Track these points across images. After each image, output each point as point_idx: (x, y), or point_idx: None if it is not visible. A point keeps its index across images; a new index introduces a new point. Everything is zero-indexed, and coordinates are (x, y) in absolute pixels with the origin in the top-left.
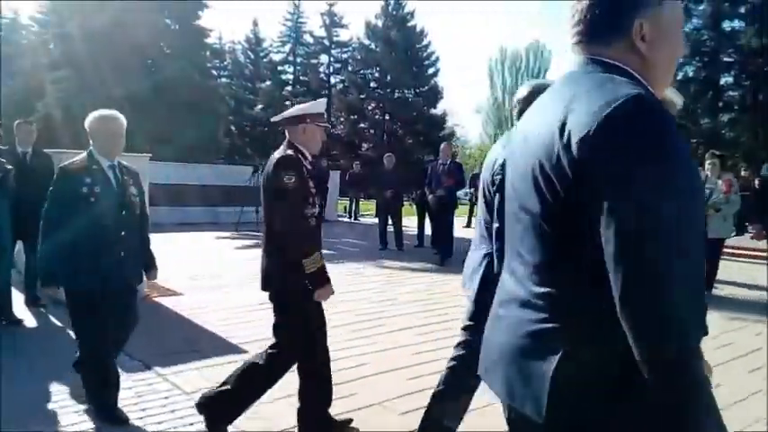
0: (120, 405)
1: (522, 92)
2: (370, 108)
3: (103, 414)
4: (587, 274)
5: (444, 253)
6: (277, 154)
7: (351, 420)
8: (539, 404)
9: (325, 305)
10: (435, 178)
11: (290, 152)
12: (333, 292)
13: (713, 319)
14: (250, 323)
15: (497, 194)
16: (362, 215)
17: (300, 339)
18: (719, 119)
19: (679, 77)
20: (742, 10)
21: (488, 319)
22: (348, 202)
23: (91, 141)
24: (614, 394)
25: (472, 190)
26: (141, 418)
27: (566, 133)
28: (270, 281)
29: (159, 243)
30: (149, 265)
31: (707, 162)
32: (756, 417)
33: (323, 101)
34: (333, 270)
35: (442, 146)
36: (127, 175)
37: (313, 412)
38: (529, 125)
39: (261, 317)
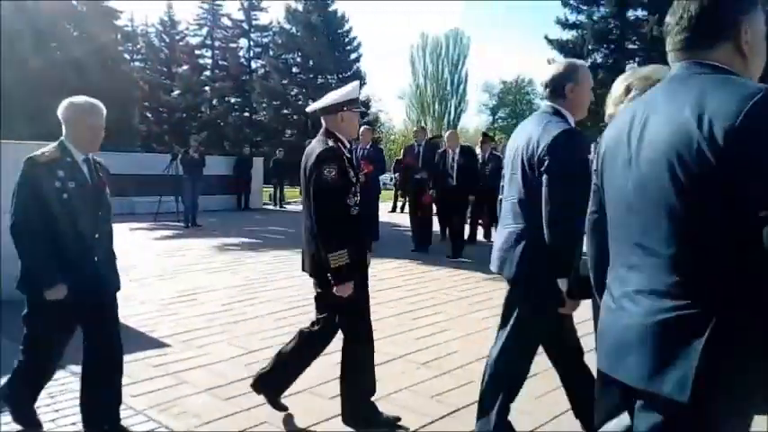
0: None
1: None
2: (292, 94)
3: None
4: (732, 258)
5: (371, 237)
6: (317, 145)
7: (399, 419)
8: (683, 385)
9: (251, 294)
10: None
11: (330, 143)
12: (351, 290)
13: None
14: (170, 317)
15: (546, 175)
16: (288, 202)
17: (350, 322)
18: None
19: (588, 64)
20: None
21: (605, 312)
22: (273, 189)
23: (64, 131)
24: (763, 380)
25: (396, 175)
26: (54, 420)
27: (705, 124)
28: (317, 266)
29: None
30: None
31: None
32: None
33: (356, 84)
34: (258, 258)
35: (362, 130)
36: (101, 171)
37: (356, 394)
38: (624, 132)
39: (179, 310)
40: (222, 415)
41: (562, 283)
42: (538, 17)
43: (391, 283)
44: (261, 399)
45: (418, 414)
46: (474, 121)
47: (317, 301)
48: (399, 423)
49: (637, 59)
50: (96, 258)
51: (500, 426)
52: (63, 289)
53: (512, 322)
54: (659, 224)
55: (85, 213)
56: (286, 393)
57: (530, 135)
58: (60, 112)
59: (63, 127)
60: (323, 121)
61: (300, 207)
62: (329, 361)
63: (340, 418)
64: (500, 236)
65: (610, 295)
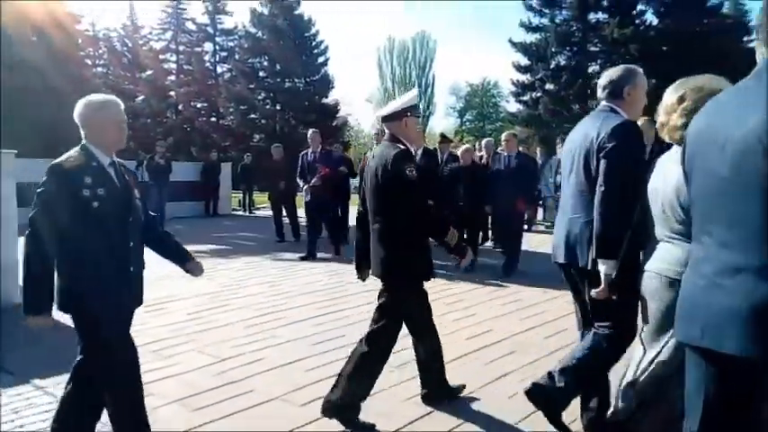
0: None
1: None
2: (260, 98)
3: None
4: None
5: (339, 241)
6: (388, 149)
7: (374, 426)
8: None
9: (222, 301)
10: (309, 168)
11: (401, 146)
12: (473, 256)
13: None
14: (137, 327)
15: (605, 159)
16: (257, 208)
17: (415, 319)
18: (589, 105)
19: (552, 66)
20: (605, 2)
21: (699, 288)
22: (241, 194)
23: (84, 134)
24: None
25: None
26: None
27: None
28: (390, 266)
29: None
30: (187, 257)
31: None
32: None
33: (416, 91)
34: (228, 265)
35: (310, 133)
36: (128, 175)
37: (354, 392)
38: (718, 120)
39: (146, 320)
40: (192, 426)
41: (607, 266)
42: (502, 20)
43: (361, 287)
44: (230, 409)
45: (394, 417)
46: (442, 123)
47: (381, 307)
48: (376, 430)
49: (599, 61)
50: (132, 269)
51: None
52: (49, 320)
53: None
54: (751, 207)
55: (117, 222)
56: (257, 401)
57: (587, 130)
58: (78, 113)
59: (83, 130)
60: (386, 129)
61: (269, 213)
62: (301, 367)
63: (313, 425)
64: (563, 227)
65: (698, 273)
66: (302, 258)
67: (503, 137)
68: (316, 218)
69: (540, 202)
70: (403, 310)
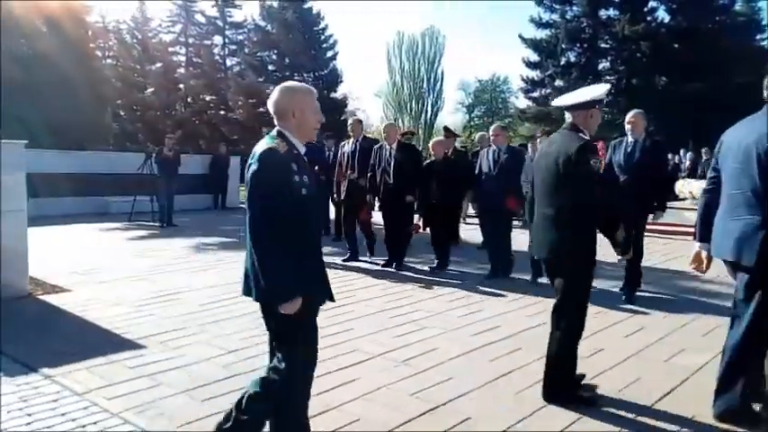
0: (2, 412)
1: None
2: (269, 91)
3: None
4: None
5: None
6: (569, 139)
7: (596, 386)
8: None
9: (229, 293)
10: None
11: (584, 136)
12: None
13: None
14: (146, 317)
15: None
16: None
17: (577, 296)
18: None
19: (562, 63)
20: None
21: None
22: None
23: (282, 121)
24: None
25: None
26: (29, 423)
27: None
28: (560, 251)
29: (42, 237)
30: None
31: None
32: None
33: (607, 85)
34: (237, 257)
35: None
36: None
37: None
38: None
39: (155, 311)
40: (199, 416)
41: None
42: (512, 16)
43: (367, 281)
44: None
45: (398, 412)
46: (451, 119)
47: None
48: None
49: (609, 58)
50: (320, 260)
51: (745, 407)
52: (298, 302)
53: (752, 307)
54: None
55: (315, 210)
56: None
57: (760, 131)
58: (276, 101)
59: (281, 117)
60: (568, 116)
61: None
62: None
63: (317, 419)
64: (729, 225)
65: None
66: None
67: (491, 130)
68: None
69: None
70: (575, 292)
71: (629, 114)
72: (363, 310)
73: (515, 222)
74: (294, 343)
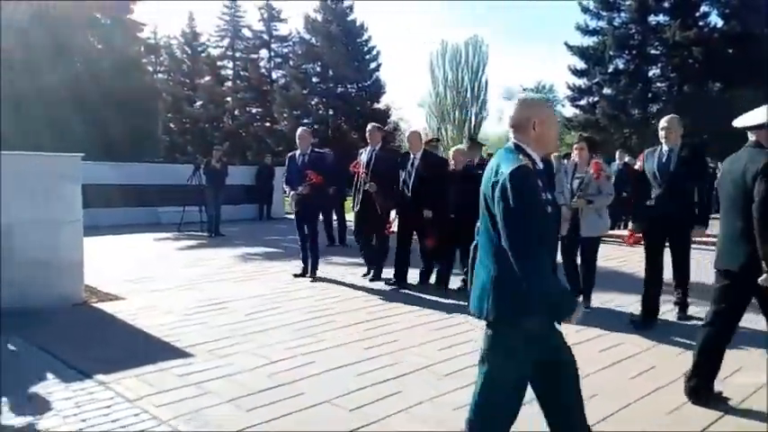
0: (58, 416)
1: None
2: (313, 103)
3: None
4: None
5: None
6: (758, 155)
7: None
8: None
9: (274, 303)
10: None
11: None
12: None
13: None
14: (194, 326)
15: None
16: None
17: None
18: (649, 109)
19: (610, 70)
20: (666, 4)
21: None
22: None
23: (519, 134)
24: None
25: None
26: (82, 429)
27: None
28: (750, 264)
29: (96, 246)
30: None
31: (574, 146)
32: None
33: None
34: (281, 267)
35: (299, 132)
36: None
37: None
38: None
39: (203, 320)
40: (244, 426)
41: None
42: (557, 24)
43: (410, 293)
44: (283, 410)
45: (441, 426)
46: (496, 128)
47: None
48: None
49: (659, 65)
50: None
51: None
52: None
53: None
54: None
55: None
56: (307, 404)
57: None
58: (519, 111)
59: (519, 129)
60: (751, 135)
61: (320, 217)
62: (353, 371)
63: (362, 430)
64: None
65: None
66: (296, 276)
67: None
68: (301, 230)
69: None
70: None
71: (662, 120)
72: (407, 322)
73: None
74: None
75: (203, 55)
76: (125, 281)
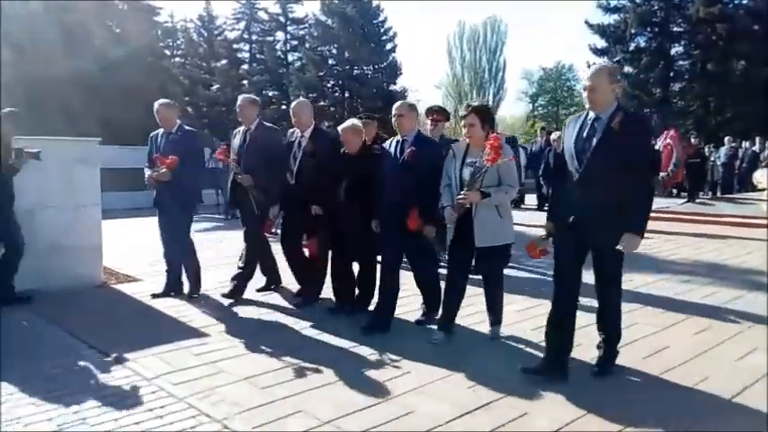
0: (77, 393)
1: None
2: (329, 86)
3: None
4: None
5: None
6: None
7: None
8: None
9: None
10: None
11: None
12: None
13: None
14: (211, 307)
15: None
16: None
17: None
18: (671, 88)
19: (631, 48)
20: None
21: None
22: None
23: None
24: None
25: None
26: (100, 406)
27: None
28: None
29: (113, 229)
30: None
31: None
32: None
33: None
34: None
35: (157, 107)
36: None
37: None
38: None
39: (220, 301)
40: (259, 403)
41: None
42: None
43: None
44: (297, 388)
45: (454, 405)
46: (513, 109)
47: None
48: None
49: (682, 42)
50: None
51: None
52: None
53: None
54: None
55: None
56: (314, 385)
57: None
58: None
59: None
60: None
61: None
62: (362, 352)
63: (373, 409)
64: None
65: None
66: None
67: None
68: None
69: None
70: None
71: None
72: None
73: None
74: None
75: (219, 38)
76: (144, 263)
